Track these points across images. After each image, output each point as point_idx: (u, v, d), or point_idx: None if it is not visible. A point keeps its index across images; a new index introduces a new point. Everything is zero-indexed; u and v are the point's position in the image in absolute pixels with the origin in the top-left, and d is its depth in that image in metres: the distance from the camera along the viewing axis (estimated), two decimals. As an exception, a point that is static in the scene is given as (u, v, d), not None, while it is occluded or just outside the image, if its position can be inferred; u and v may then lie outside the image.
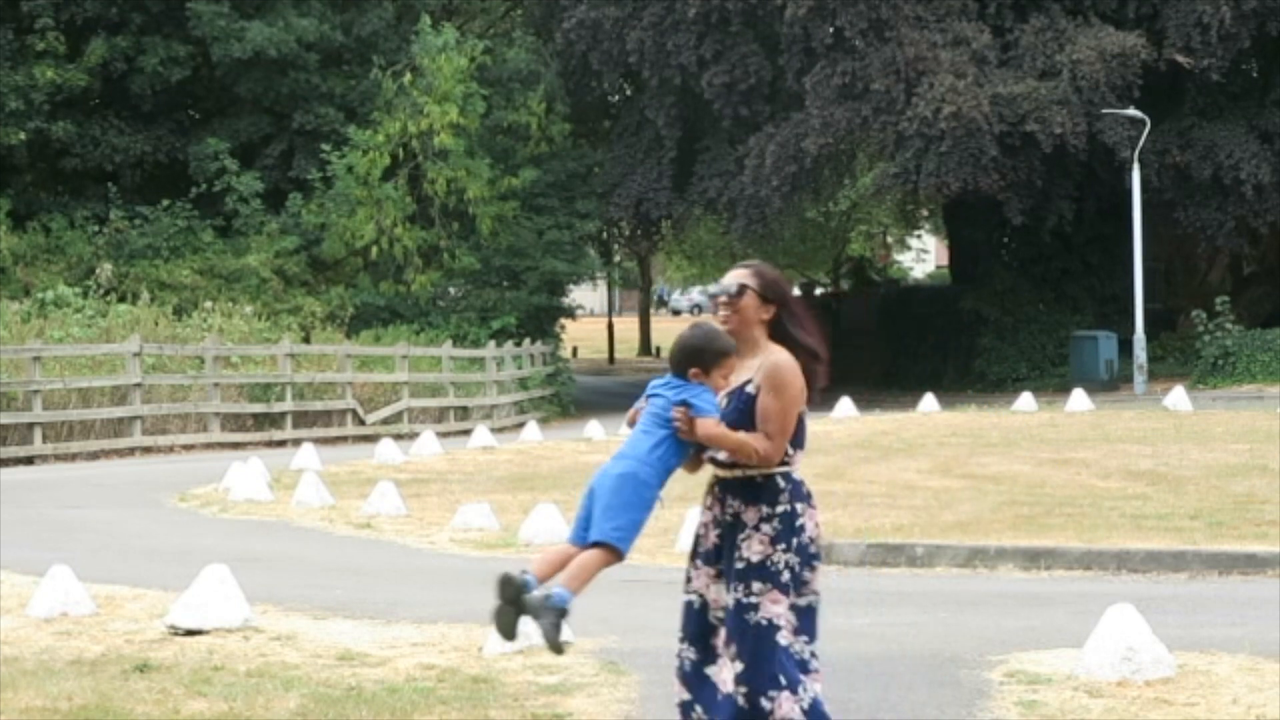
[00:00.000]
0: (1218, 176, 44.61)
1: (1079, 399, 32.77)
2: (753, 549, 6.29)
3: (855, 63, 44.00)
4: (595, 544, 6.26)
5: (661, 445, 6.33)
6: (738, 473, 6.35)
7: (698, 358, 6.35)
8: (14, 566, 13.55)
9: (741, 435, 6.27)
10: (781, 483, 6.33)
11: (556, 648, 6.22)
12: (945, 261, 67.25)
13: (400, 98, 42.51)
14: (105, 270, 38.48)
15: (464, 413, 37.42)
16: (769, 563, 6.28)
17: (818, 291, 68.45)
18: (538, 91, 45.46)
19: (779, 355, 6.32)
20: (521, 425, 34.01)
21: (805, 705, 6.27)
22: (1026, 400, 33.71)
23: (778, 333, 6.39)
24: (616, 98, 52.77)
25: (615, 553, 6.26)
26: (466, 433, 31.23)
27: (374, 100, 43.02)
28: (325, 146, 41.99)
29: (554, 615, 6.14)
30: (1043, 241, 47.39)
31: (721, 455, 6.37)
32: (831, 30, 44.39)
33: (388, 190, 41.74)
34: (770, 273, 6.45)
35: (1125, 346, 43.94)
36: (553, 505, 15.49)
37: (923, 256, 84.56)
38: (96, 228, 41.51)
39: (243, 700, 8.50)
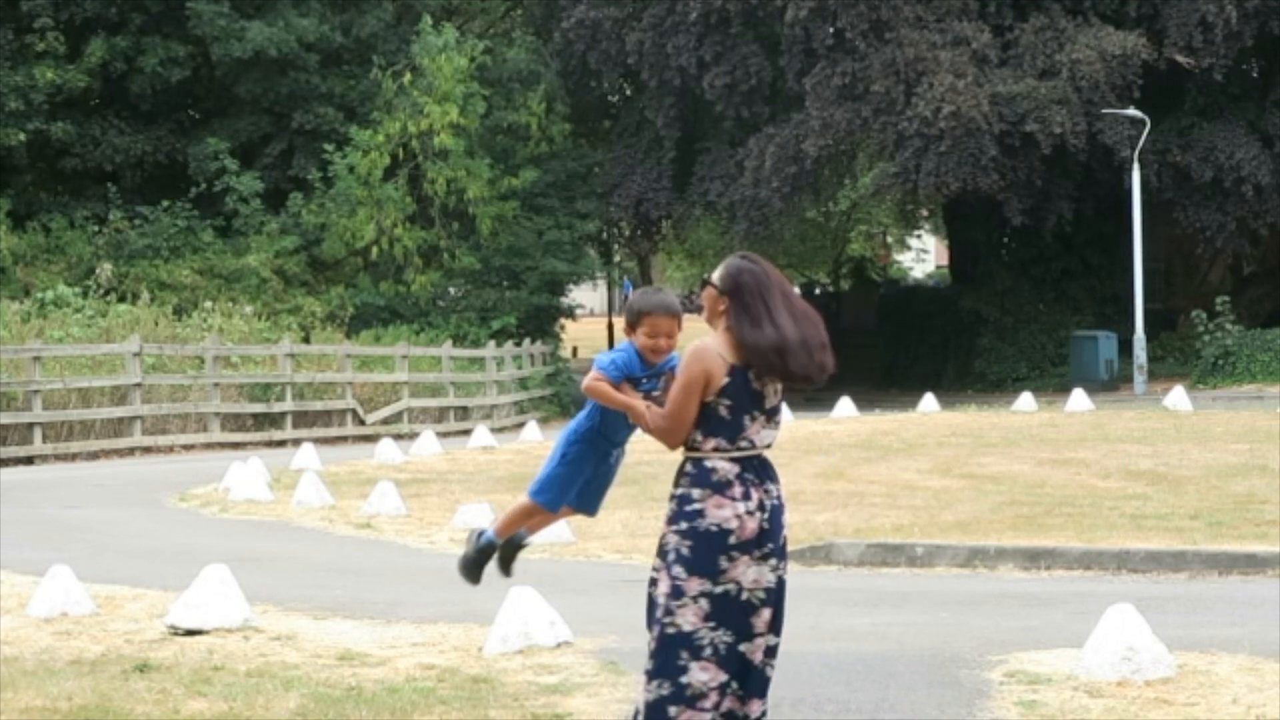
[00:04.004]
0: (1218, 178, 44.62)
1: (1079, 399, 32.78)
2: (663, 526, 6.60)
3: (855, 63, 44.01)
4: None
5: (588, 405, 6.92)
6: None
7: (625, 314, 6.83)
8: (14, 566, 13.55)
9: (627, 399, 6.64)
10: (689, 467, 6.51)
11: (468, 576, 7.24)
12: (945, 261, 67.26)
13: (400, 98, 42.52)
14: (105, 270, 38.50)
15: (464, 413, 37.41)
16: (664, 540, 6.53)
17: (817, 291, 68.44)
18: (538, 91, 45.47)
19: (694, 344, 6.52)
20: (521, 425, 34.01)
21: (656, 698, 6.40)
22: (1026, 400, 33.72)
23: (730, 323, 6.50)
24: (616, 98, 52.81)
25: (533, 503, 7.08)
26: (466, 433, 31.23)
27: (374, 100, 43.04)
28: (327, 147, 42.01)
29: (474, 552, 7.17)
30: (1043, 241, 47.42)
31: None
32: (832, 31, 44.43)
33: (388, 190, 41.73)
34: (733, 263, 6.54)
35: (1125, 346, 43.95)
36: (553, 505, 15.45)
37: (923, 256, 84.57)
38: (96, 228, 41.53)
39: (243, 700, 8.50)
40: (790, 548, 13.71)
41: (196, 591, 10.69)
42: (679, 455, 6.61)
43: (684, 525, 6.43)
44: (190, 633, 10.45)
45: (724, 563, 6.39)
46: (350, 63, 44.88)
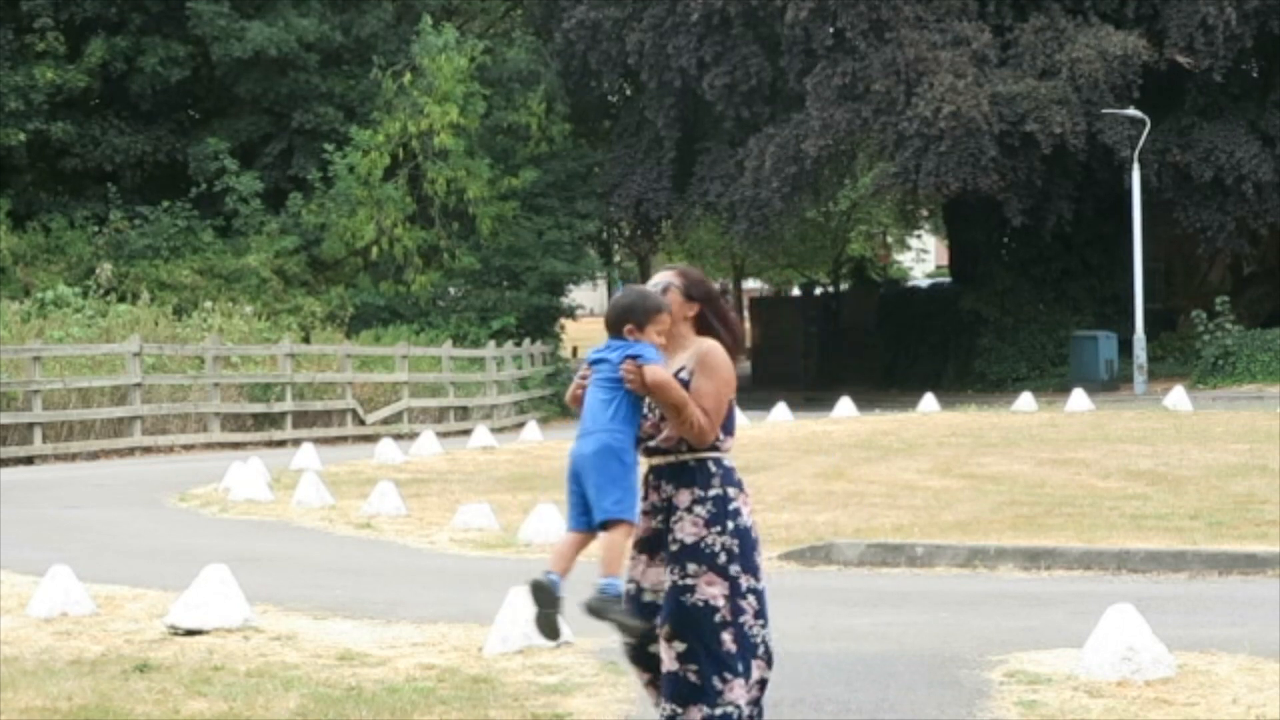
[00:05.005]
0: (1218, 177, 44.64)
1: (1079, 399, 32.78)
2: (686, 531, 6.44)
3: (855, 63, 44.02)
4: (606, 523, 6.40)
5: (620, 407, 6.46)
6: (670, 458, 6.50)
7: (630, 314, 6.55)
8: (14, 566, 13.55)
9: (685, 394, 6.42)
10: (713, 467, 6.48)
11: (633, 630, 6.52)
12: (945, 261, 67.26)
13: (400, 98, 42.54)
14: (105, 270, 38.50)
15: (464, 413, 37.41)
16: (703, 545, 6.42)
17: (817, 291, 68.42)
18: (538, 91, 45.48)
19: (711, 343, 6.56)
20: (521, 425, 34.01)
21: (753, 695, 6.47)
22: (1026, 400, 33.72)
23: (704, 326, 6.63)
24: (616, 98, 52.82)
25: (628, 524, 6.43)
26: (466, 433, 31.23)
27: (374, 100, 43.06)
28: (328, 147, 42.02)
29: (616, 603, 6.39)
30: (1043, 241, 47.41)
31: (654, 441, 6.51)
32: (832, 31, 44.43)
33: (388, 190, 41.75)
34: (694, 274, 6.74)
35: (1125, 346, 43.96)
36: (553, 505, 15.47)
37: (923, 256, 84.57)
38: (96, 228, 41.53)
39: (243, 700, 8.50)
40: (790, 548, 13.82)
41: (196, 591, 10.69)
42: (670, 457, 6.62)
43: (730, 525, 6.44)
44: (190, 633, 10.46)
45: (758, 559, 6.50)
46: (350, 62, 44.90)
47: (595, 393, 6.52)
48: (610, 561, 6.41)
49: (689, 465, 6.48)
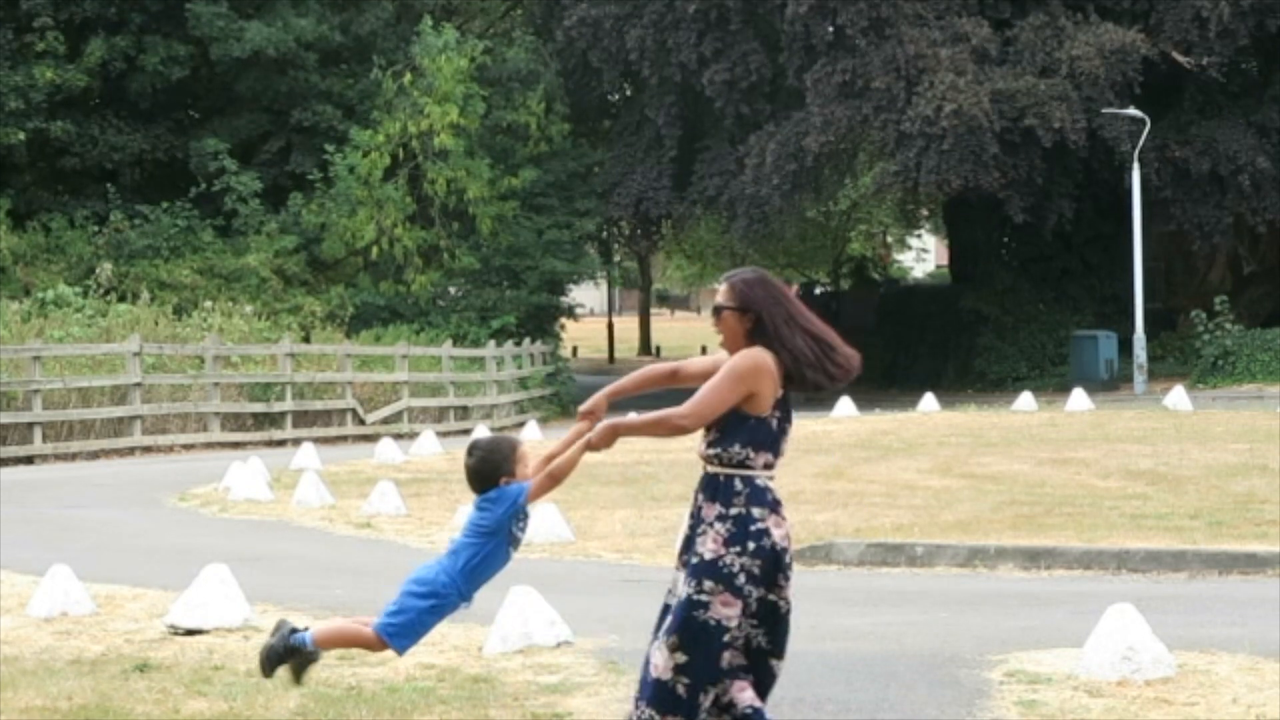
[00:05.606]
0: (1215, 172, 44.67)
1: (1079, 399, 32.78)
2: (706, 546, 6.37)
3: (856, 60, 44.03)
4: (377, 631, 6.77)
5: (474, 559, 6.70)
6: (707, 468, 6.45)
7: (496, 474, 6.69)
8: (14, 566, 13.55)
9: (648, 415, 6.42)
10: (739, 484, 6.37)
11: (262, 667, 6.88)
12: (945, 261, 67.27)
13: (400, 98, 42.56)
14: (105, 270, 38.50)
15: (464, 412, 37.41)
16: (721, 563, 6.33)
17: (817, 291, 68.43)
18: (537, 91, 45.52)
19: (742, 352, 6.40)
20: (521, 425, 34.01)
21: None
22: (1026, 400, 33.72)
23: (759, 337, 6.43)
24: (616, 97, 52.85)
25: (381, 643, 6.78)
26: (466, 432, 31.22)
27: (373, 99, 43.10)
28: (328, 147, 42.03)
29: (283, 642, 6.79)
30: (1043, 241, 47.42)
31: (702, 448, 6.45)
32: (832, 28, 44.45)
33: (388, 190, 41.76)
34: (744, 284, 6.48)
35: (1125, 346, 43.96)
36: (552, 505, 15.48)
37: (923, 256, 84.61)
38: (96, 228, 41.55)
39: (243, 700, 8.51)
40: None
41: (196, 591, 10.70)
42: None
43: (751, 546, 6.32)
44: (190, 632, 10.46)
45: (781, 580, 6.40)
46: (349, 61, 44.94)
47: (467, 534, 6.70)
48: (330, 636, 6.84)
49: (718, 480, 6.40)
